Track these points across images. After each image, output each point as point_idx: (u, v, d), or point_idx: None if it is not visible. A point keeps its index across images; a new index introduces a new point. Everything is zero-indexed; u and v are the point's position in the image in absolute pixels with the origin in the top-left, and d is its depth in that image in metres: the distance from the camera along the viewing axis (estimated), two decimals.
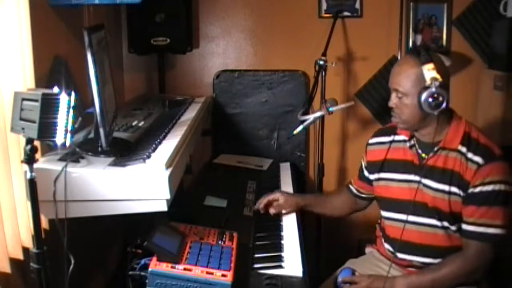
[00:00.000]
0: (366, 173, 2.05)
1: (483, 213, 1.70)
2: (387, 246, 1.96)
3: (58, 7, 1.80)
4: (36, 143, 1.24)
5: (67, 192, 1.34)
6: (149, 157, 1.47)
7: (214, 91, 2.96)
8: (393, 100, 1.78)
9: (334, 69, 2.75)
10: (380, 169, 1.95)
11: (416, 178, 1.82)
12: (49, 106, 1.21)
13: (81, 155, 1.47)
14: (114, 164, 1.45)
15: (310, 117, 2.32)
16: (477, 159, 1.71)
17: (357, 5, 2.91)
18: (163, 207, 1.41)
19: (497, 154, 1.73)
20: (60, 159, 1.41)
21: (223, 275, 1.43)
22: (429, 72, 1.68)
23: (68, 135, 1.25)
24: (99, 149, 1.51)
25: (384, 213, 1.95)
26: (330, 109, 2.28)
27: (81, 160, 1.44)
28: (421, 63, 1.69)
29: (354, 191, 2.14)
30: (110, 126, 1.60)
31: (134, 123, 1.97)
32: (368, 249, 2.12)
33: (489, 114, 2.80)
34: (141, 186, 1.39)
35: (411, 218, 1.82)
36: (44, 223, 1.44)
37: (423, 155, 1.83)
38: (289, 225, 2.02)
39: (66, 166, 1.35)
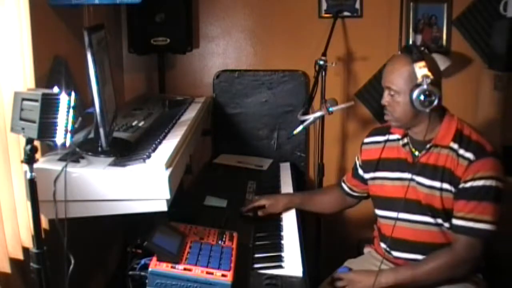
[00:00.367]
0: (360, 171, 2.06)
1: (473, 208, 1.71)
2: (382, 245, 1.97)
3: (58, 7, 1.80)
4: (36, 143, 1.24)
5: (67, 192, 1.34)
6: (149, 157, 1.47)
7: (214, 91, 2.96)
8: (386, 98, 1.80)
9: (334, 69, 2.75)
10: (375, 168, 1.96)
11: (410, 176, 1.83)
12: (49, 106, 1.20)
13: (81, 155, 1.47)
14: (114, 164, 1.45)
15: (310, 117, 2.32)
16: (469, 155, 1.73)
17: (357, 5, 2.91)
18: (163, 207, 1.41)
19: (488, 150, 1.74)
20: (60, 159, 1.41)
21: (223, 275, 1.43)
22: (421, 69, 1.69)
23: (68, 135, 1.25)
24: (99, 149, 1.51)
25: (379, 212, 1.97)
26: (330, 109, 2.28)
27: (81, 160, 1.44)
28: (412, 61, 1.70)
29: (347, 189, 2.15)
30: (110, 126, 1.60)
31: (134, 123, 1.97)
32: (366, 249, 2.13)
33: (489, 114, 2.80)
34: (141, 186, 1.39)
35: (405, 215, 1.84)
36: (44, 223, 1.44)
37: (416, 153, 1.84)
38: (289, 225, 2.02)
39: (66, 166, 1.35)
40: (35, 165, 1.24)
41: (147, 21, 2.69)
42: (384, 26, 2.90)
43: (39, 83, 1.55)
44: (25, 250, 1.45)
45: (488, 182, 1.70)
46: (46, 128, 1.21)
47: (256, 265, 1.70)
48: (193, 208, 2.12)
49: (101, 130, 1.48)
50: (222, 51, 2.99)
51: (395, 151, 1.91)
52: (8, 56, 1.41)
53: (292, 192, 2.38)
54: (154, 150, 1.54)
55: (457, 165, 1.74)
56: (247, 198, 2.26)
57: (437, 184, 1.77)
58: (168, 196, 1.40)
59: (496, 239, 1.74)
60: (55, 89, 1.24)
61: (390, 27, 2.88)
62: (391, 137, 1.93)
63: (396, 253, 1.89)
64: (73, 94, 1.25)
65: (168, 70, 2.93)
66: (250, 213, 2.09)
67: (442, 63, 2.61)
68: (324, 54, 2.56)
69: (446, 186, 1.76)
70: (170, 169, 1.42)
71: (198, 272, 1.43)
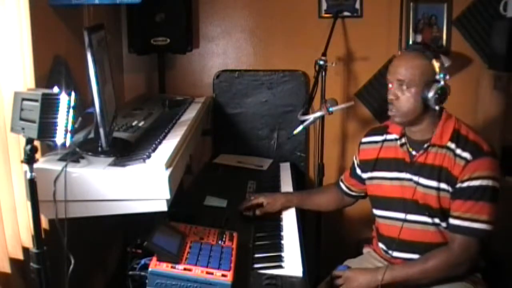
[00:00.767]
0: (358, 171, 2.07)
1: (469, 208, 1.71)
2: (381, 245, 1.98)
3: (58, 7, 1.80)
4: (36, 143, 1.24)
5: (67, 192, 1.34)
6: (149, 157, 1.47)
7: (214, 91, 2.96)
8: (395, 92, 1.77)
9: (334, 69, 2.75)
10: (373, 168, 1.96)
11: (407, 176, 1.83)
12: (49, 106, 1.20)
13: (81, 155, 1.47)
14: (114, 164, 1.45)
15: (310, 117, 2.32)
16: (466, 155, 1.73)
17: (357, 5, 2.91)
18: (163, 207, 1.41)
19: (485, 150, 1.74)
20: (60, 159, 1.41)
21: (223, 275, 1.43)
22: (439, 66, 1.71)
23: (68, 135, 1.25)
24: (99, 149, 1.51)
25: (377, 212, 1.97)
26: (330, 109, 2.28)
27: (81, 160, 1.44)
28: (431, 57, 1.72)
29: (344, 188, 2.16)
30: (110, 126, 1.60)
31: (134, 123, 1.97)
32: (365, 249, 2.13)
33: (489, 114, 2.81)
34: (141, 186, 1.39)
35: (403, 215, 1.84)
36: (44, 223, 1.44)
37: (413, 152, 1.84)
38: (289, 225, 2.02)
39: (66, 166, 1.35)
40: (35, 165, 1.24)
41: (147, 21, 2.69)
42: (384, 26, 2.90)
43: (39, 83, 1.55)
44: (25, 250, 1.45)
45: (485, 182, 1.71)
46: (46, 128, 1.21)
47: (256, 265, 1.70)
48: (193, 208, 2.11)
49: (101, 130, 1.48)
50: (222, 51, 2.99)
51: (392, 151, 1.91)
52: (8, 56, 1.41)
53: (290, 191, 2.38)
54: (154, 150, 1.54)
55: (454, 164, 1.74)
56: (246, 198, 2.26)
57: (434, 183, 1.77)
58: (168, 196, 1.40)
59: (495, 239, 1.74)
60: (55, 89, 1.24)
61: (390, 27, 2.88)
62: (389, 137, 1.93)
63: (394, 253, 1.90)
64: (73, 94, 1.25)
65: (168, 70, 2.93)
66: (249, 211, 2.09)
67: None
68: (324, 54, 2.56)
69: (443, 185, 1.76)
70: (170, 169, 1.42)
71: (198, 272, 1.43)
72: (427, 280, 1.78)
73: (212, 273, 1.43)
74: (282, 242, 1.88)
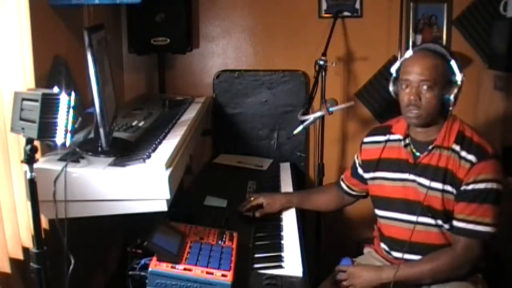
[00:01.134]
0: (360, 171, 2.06)
1: (474, 210, 1.71)
2: (382, 245, 1.97)
3: (58, 7, 1.80)
4: (36, 143, 1.24)
5: (67, 192, 1.34)
6: (149, 157, 1.47)
7: (214, 91, 2.96)
8: (417, 92, 1.72)
9: (334, 69, 2.75)
10: (375, 168, 1.96)
11: (411, 176, 1.83)
12: (49, 106, 1.20)
13: (81, 155, 1.46)
14: (114, 164, 1.45)
15: (310, 117, 2.32)
16: (471, 157, 1.72)
17: (357, 5, 2.91)
18: (163, 207, 1.41)
19: (490, 153, 1.73)
20: (60, 159, 1.41)
21: (223, 275, 1.43)
22: (457, 68, 1.72)
23: (68, 135, 1.25)
24: (99, 149, 1.51)
25: (379, 212, 1.97)
26: (330, 109, 2.28)
27: (81, 160, 1.44)
28: (450, 57, 1.72)
29: (345, 188, 2.15)
30: (110, 126, 1.60)
31: (134, 123, 1.97)
32: (366, 249, 2.13)
33: (490, 114, 2.80)
34: (141, 186, 1.39)
35: (405, 216, 1.84)
36: (44, 223, 1.44)
37: (417, 153, 1.83)
38: (289, 225, 2.02)
39: (66, 166, 1.35)
40: (35, 165, 1.24)
41: (147, 21, 2.69)
42: (384, 26, 2.90)
43: (39, 83, 1.55)
44: (25, 250, 1.45)
45: (489, 185, 1.70)
46: (46, 128, 1.21)
47: (256, 265, 1.70)
48: (193, 208, 2.11)
49: (101, 130, 1.48)
50: (222, 51, 2.99)
51: (395, 151, 1.90)
52: (8, 56, 1.41)
53: (290, 191, 2.37)
54: (154, 150, 1.54)
55: (459, 167, 1.73)
56: (246, 198, 2.26)
57: (438, 185, 1.77)
58: (168, 196, 1.40)
59: (496, 239, 1.74)
60: (55, 89, 1.24)
61: (390, 27, 2.88)
62: (392, 137, 1.92)
63: (395, 254, 1.90)
64: (73, 94, 1.25)
65: (168, 70, 2.93)
66: (249, 212, 2.09)
67: None
68: (324, 54, 2.56)
69: (448, 187, 1.76)
70: (170, 169, 1.42)
71: (198, 272, 1.43)
72: (429, 280, 1.78)
73: (212, 273, 1.43)
74: (282, 242, 1.88)
